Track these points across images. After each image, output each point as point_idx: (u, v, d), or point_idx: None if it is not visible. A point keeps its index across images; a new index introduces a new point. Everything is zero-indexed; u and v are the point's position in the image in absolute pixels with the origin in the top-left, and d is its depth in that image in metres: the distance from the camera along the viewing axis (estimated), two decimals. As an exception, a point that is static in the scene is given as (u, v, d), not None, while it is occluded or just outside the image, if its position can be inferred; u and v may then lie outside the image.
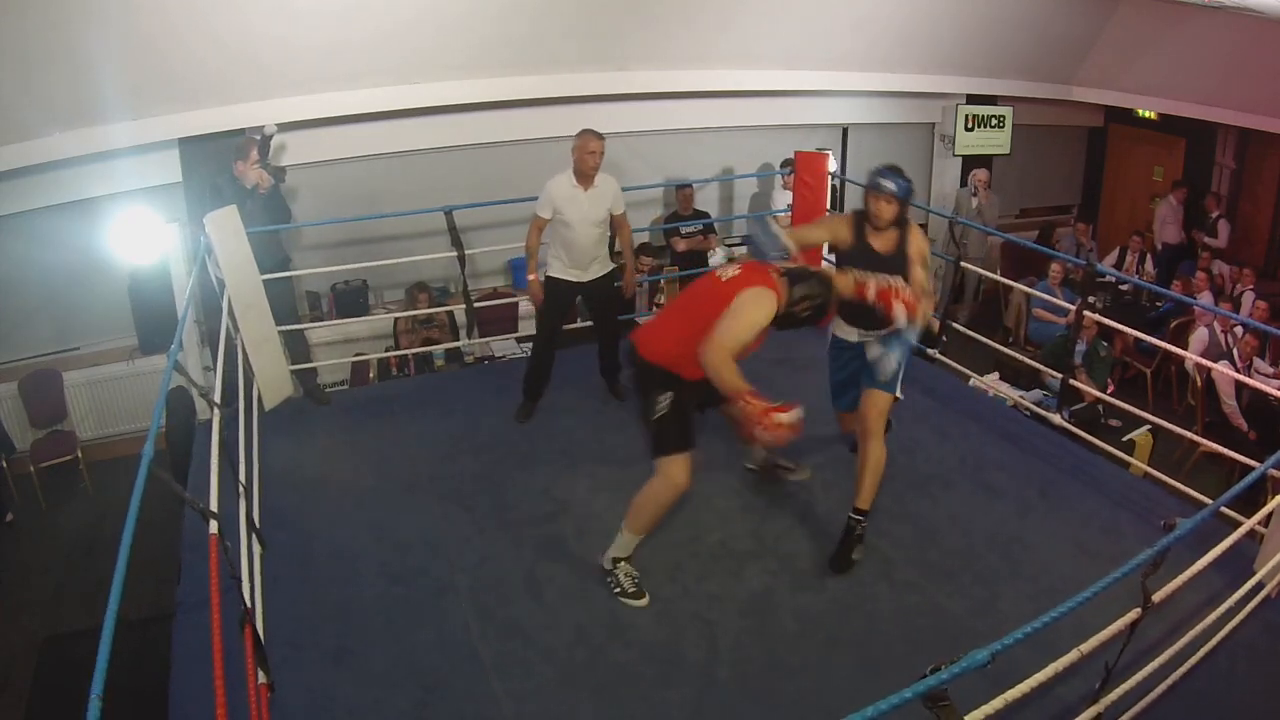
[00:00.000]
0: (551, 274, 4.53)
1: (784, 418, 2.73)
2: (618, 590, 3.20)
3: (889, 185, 3.28)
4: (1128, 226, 9.02)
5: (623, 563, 3.21)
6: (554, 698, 2.80)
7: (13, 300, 5.99)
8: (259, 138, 4.75)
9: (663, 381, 3.05)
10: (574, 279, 4.49)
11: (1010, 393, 5.59)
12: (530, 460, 4.15)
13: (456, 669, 2.91)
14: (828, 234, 3.63)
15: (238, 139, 4.92)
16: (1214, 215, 8.19)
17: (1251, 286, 7.11)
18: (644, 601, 3.18)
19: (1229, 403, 5.86)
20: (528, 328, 6.94)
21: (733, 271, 3.09)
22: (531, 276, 4.57)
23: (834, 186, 6.39)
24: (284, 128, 5.83)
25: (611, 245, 4.67)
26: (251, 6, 5.21)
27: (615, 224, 4.57)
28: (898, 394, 3.49)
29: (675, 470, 3.06)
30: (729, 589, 3.28)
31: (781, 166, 7.09)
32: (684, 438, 3.08)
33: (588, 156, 4.33)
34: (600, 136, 4.38)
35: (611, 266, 4.63)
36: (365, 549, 3.53)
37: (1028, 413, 4.95)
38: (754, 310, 2.91)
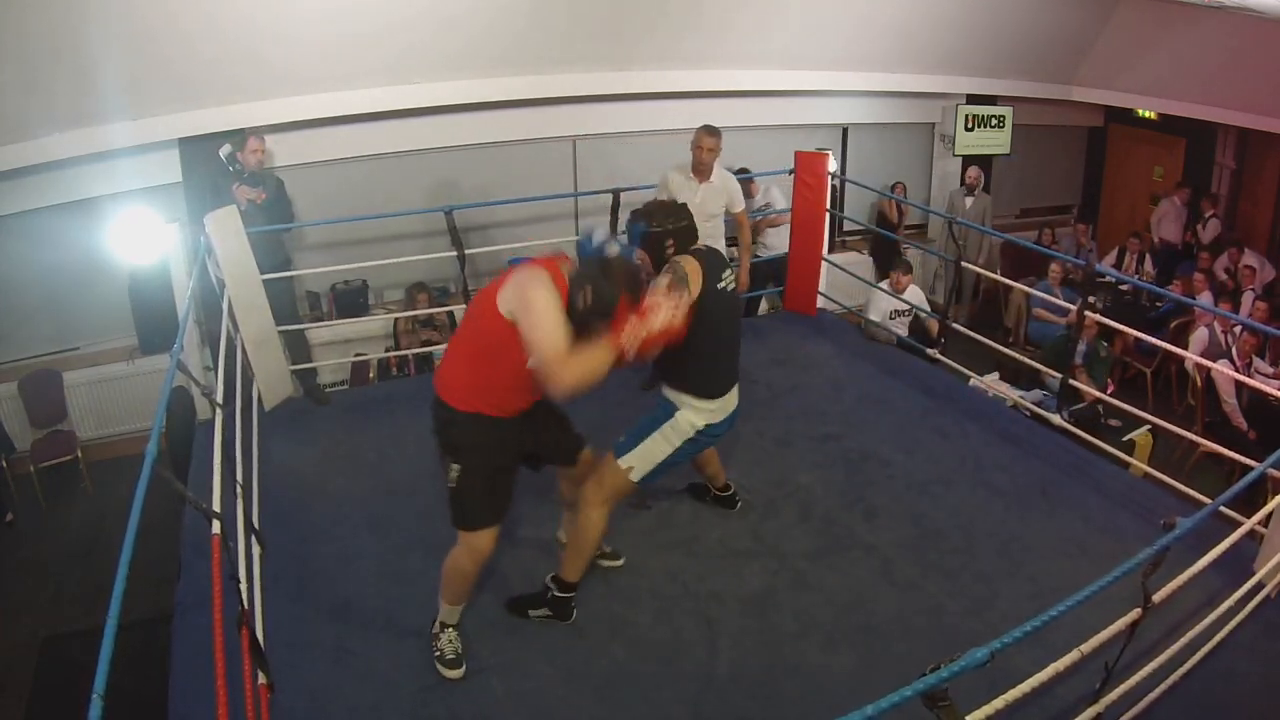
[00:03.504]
0: None
1: (657, 311, 2.40)
2: (436, 655, 2.88)
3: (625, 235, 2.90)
4: (1128, 226, 9.03)
5: (449, 629, 2.90)
6: (554, 697, 2.80)
7: (13, 300, 5.99)
8: (223, 159, 4.80)
9: (459, 438, 2.60)
10: None
11: (1010, 393, 5.59)
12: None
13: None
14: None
15: (229, 141, 4.93)
16: (1207, 215, 8.21)
17: (1252, 286, 7.11)
18: (458, 672, 2.83)
19: (1229, 402, 5.86)
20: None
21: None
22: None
23: (834, 187, 6.38)
24: (284, 128, 5.85)
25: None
26: (252, 6, 5.22)
27: (736, 223, 4.62)
28: (622, 464, 2.91)
29: (479, 541, 2.68)
30: (729, 588, 3.28)
31: (737, 173, 6.90)
32: (484, 511, 2.66)
33: (698, 151, 4.44)
34: (713, 133, 4.44)
35: None
36: (365, 549, 3.53)
37: (1028, 413, 4.95)
38: (533, 292, 2.35)
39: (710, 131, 4.45)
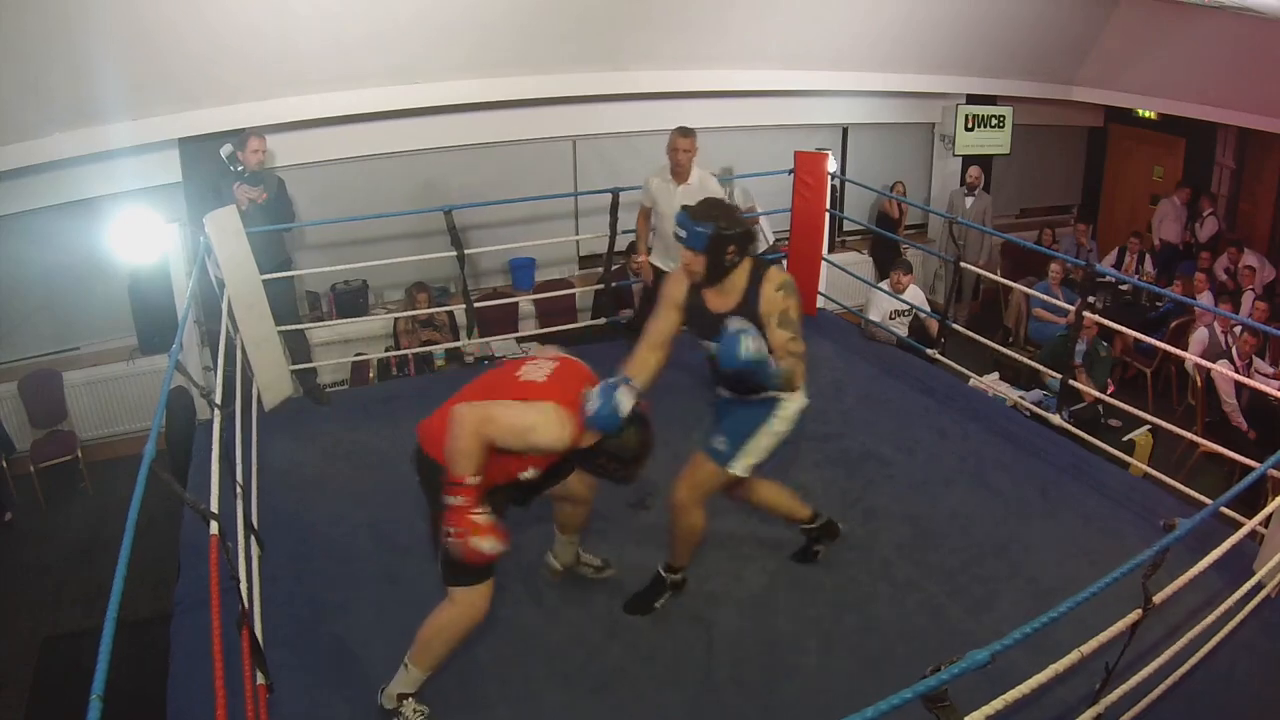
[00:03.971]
0: (652, 259, 4.78)
1: (481, 541, 2.30)
2: None
3: (680, 233, 2.69)
4: (1128, 226, 9.03)
5: (409, 699, 2.64)
6: (552, 699, 2.80)
7: (13, 300, 5.99)
8: (224, 158, 4.81)
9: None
10: (665, 268, 4.62)
11: (1010, 393, 5.59)
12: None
13: (455, 670, 2.90)
14: (674, 311, 2.89)
15: (231, 140, 4.92)
16: (1205, 213, 8.21)
17: (1251, 286, 7.11)
18: None
19: (1229, 402, 5.86)
20: (528, 327, 6.96)
21: (542, 374, 2.53)
22: (642, 258, 4.80)
23: (834, 187, 6.39)
24: (284, 128, 5.85)
25: None
26: (252, 6, 5.22)
27: None
28: (736, 471, 2.85)
29: (476, 598, 2.50)
30: (728, 589, 3.28)
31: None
32: (476, 576, 2.49)
33: (673, 153, 4.47)
34: (687, 133, 4.47)
35: None
36: (365, 549, 3.53)
37: (1028, 413, 4.95)
38: (546, 422, 2.36)
39: (684, 133, 4.47)
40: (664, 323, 2.88)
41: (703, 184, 4.53)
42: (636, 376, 2.67)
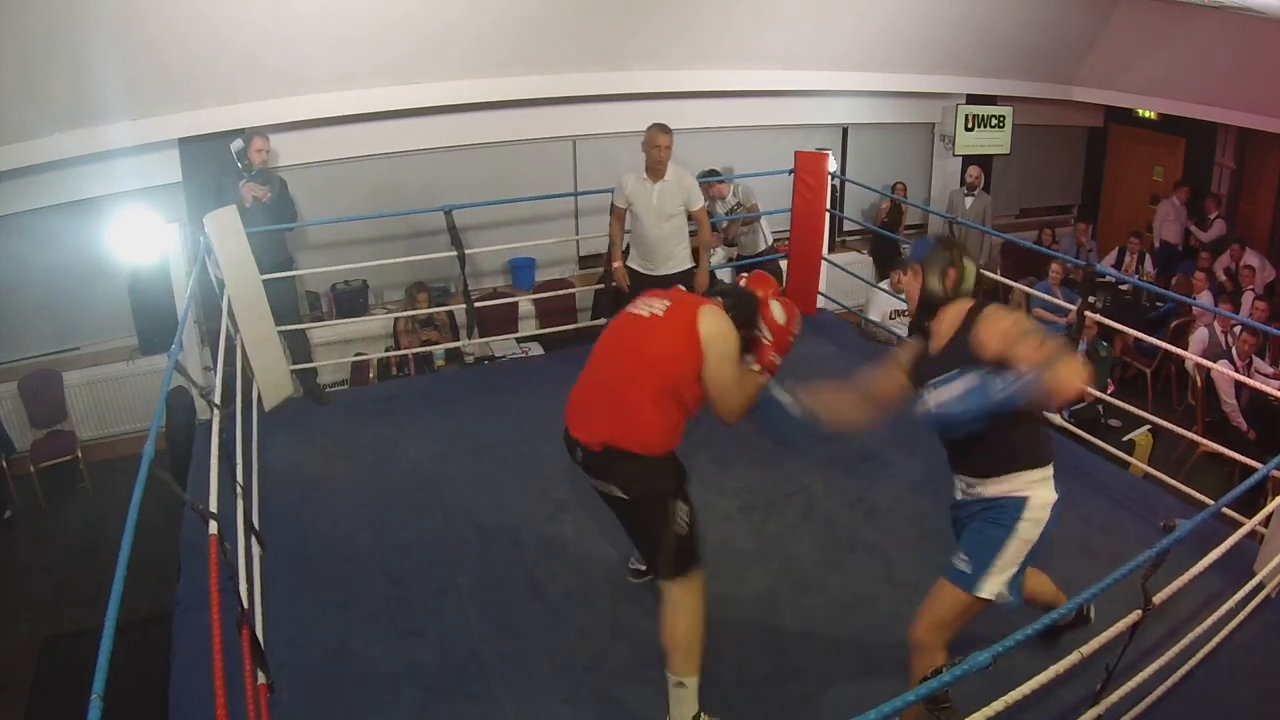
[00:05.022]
0: (629, 263, 4.70)
1: (785, 318, 2.62)
2: None
3: (906, 253, 2.53)
4: (1128, 226, 9.02)
5: (702, 714, 2.56)
6: (556, 698, 2.80)
7: (13, 300, 5.98)
8: (235, 153, 4.80)
9: (665, 481, 2.51)
10: (644, 271, 4.58)
11: (1010, 393, 5.58)
12: (530, 460, 4.14)
13: (457, 669, 2.91)
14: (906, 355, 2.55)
15: (241, 136, 4.93)
16: (1212, 216, 8.21)
17: (1251, 286, 7.11)
18: None
19: (1229, 402, 5.86)
20: (528, 327, 6.96)
21: (659, 305, 2.55)
22: (616, 264, 4.73)
23: (834, 187, 6.39)
24: (284, 128, 5.85)
25: None
26: (252, 6, 5.21)
27: (695, 220, 4.59)
28: (984, 594, 2.29)
29: (698, 581, 2.55)
30: (731, 590, 3.27)
31: (705, 174, 6.47)
32: (701, 548, 2.60)
33: (653, 150, 4.42)
34: (667, 130, 4.43)
35: (688, 266, 4.61)
36: (365, 549, 3.53)
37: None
38: (731, 339, 2.48)
39: (664, 129, 4.45)
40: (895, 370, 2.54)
41: (680, 181, 4.50)
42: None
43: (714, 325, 2.46)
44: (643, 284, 4.49)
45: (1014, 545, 2.31)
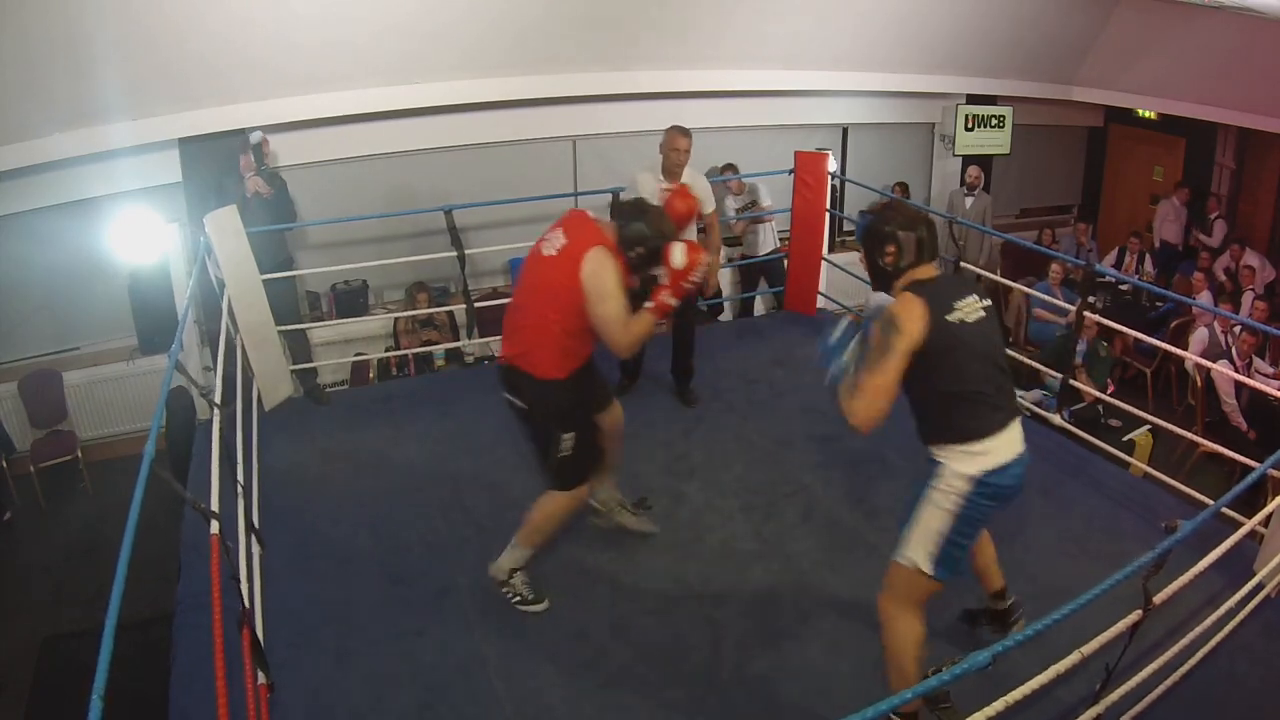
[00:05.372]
0: None
1: (684, 263, 2.78)
2: (516, 599, 3.11)
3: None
4: (1128, 226, 9.02)
5: (519, 572, 3.11)
6: (556, 698, 2.80)
7: (13, 300, 5.98)
8: (251, 145, 4.77)
9: (555, 401, 2.86)
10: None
11: (1010, 393, 5.58)
12: (530, 460, 4.12)
13: (458, 669, 2.91)
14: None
15: (243, 138, 4.92)
16: (1213, 216, 8.21)
17: (1251, 286, 7.11)
18: (544, 605, 3.12)
19: (1229, 402, 5.86)
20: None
21: (558, 242, 2.81)
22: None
23: (834, 187, 6.39)
24: (284, 128, 5.85)
25: None
26: (252, 6, 5.22)
27: (705, 224, 4.53)
28: (902, 561, 2.41)
29: (582, 492, 3.06)
30: (732, 589, 3.28)
31: (723, 171, 7.01)
32: (589, 463, 3.00)
33: (672, 154, 4.35)
34: (687, 133, 4.37)
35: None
36: (365, 549, 3.53)
37: (1028, 413, 4.95)
38: (609, 278, 2.73)
39: (684, 132, 4.39)
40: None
41: (694, 184, 4.43)
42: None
43: (592, 266, 2.72)
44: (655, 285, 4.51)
45: (927, 512, 2.37)
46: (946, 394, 2.34)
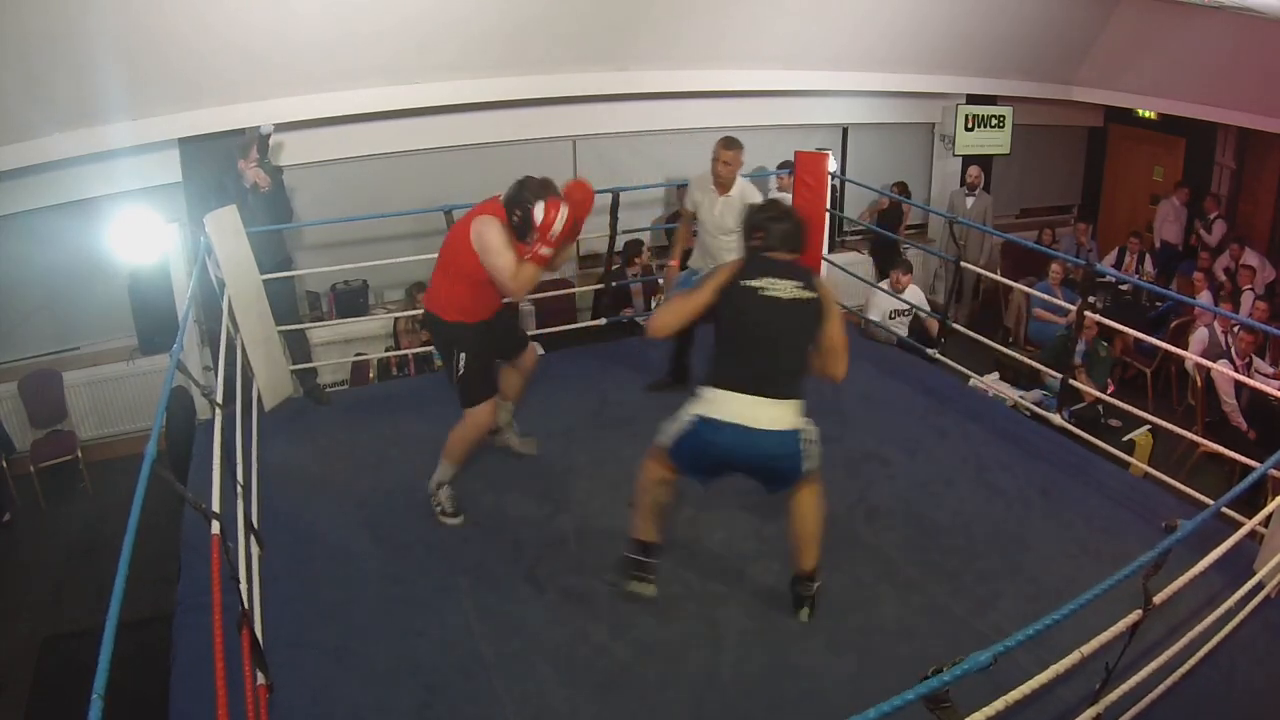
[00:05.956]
0: (691, 263, 4.60)
1: (543, 218, 3.24)
2: (439, 509, 3.65)
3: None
4: (1128, 226, 9.03)
5: (445, 486, 3.66)
6: (556, 697, 2.80)
7: (13, 300, 5.98)
8: (259, 136, 4.76)
9: (457, 337, 3.47)
10: None
11: (1010, 393, 5.59)
12: (530, 460, 4.15)
13: (458, 668, 2.91)
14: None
15: (241, 137, 4.92)
16: (1212, 216, 8.21)
17: (1250, 285, 7.11)
18: (459, 520, 3.64)
19: (1229, 402, 5.86)
20: (528, 327, 6.95)
21: (467, 215, 3.49)
22: (672, 262, 4.64)
23: (834, 186, 6.39)
24: (284, 128, 5.84)
25: None
26: (252, 6, 5.21)
27: None
28: (664, 444, 2.93)
29: (481, 414, 3.56)
30: (732, 589, 3.28)
31: (779, 168, 7.08)
32: (485, 388, 3.57)
33: (714, 164, 4.32)
34: (730, 145, 4.31)
35: None
36: (365, 549, 3.53)
37: (1028, 413, 4.95)
38: (491, 236, 3.31)
39: (726, 144, 4.31)
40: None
41: (744, 196, 4.35)
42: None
43: (478, 229, 3.34)
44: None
45: (678, 418, 2.90)
46: (718, 342, 2.87)
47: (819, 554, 3.03)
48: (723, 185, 4.37)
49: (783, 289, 2.79)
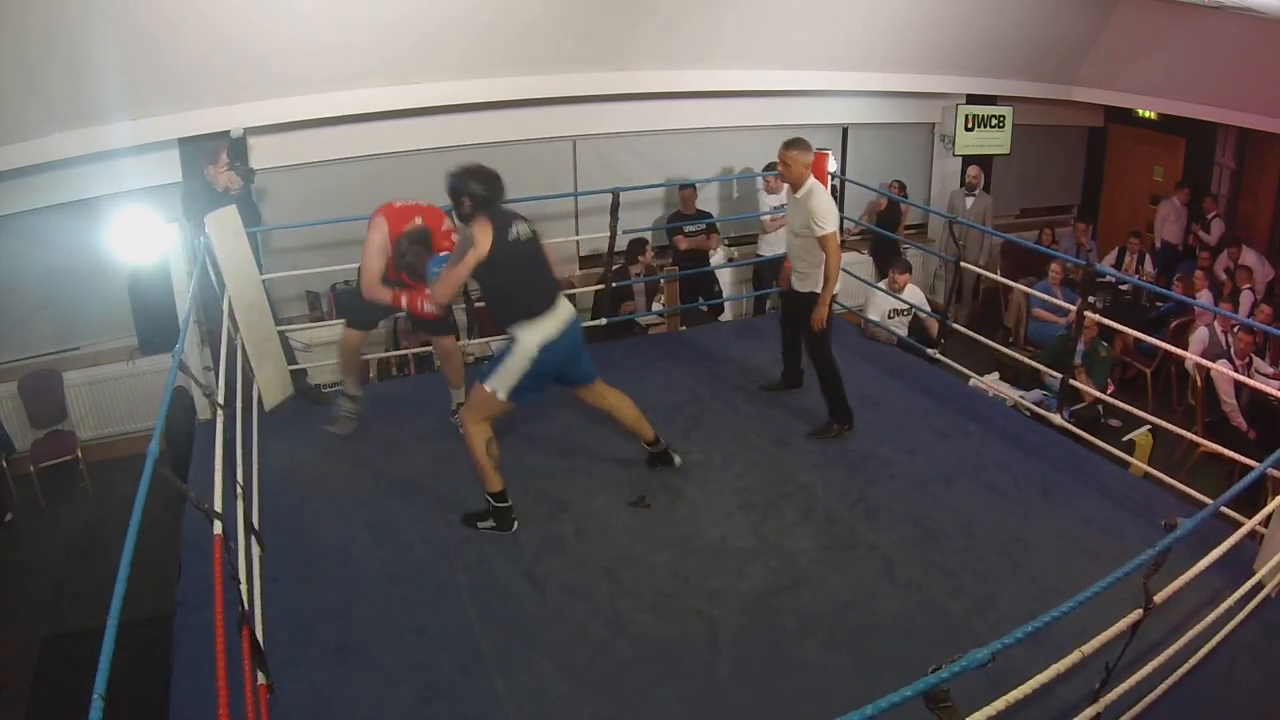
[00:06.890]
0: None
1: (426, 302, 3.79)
2: (345, 413, 4.35)
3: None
4: (1128, 226, 9.03)
5: (347, 399, 4.36)
6: (556, 695, 2.80)
7: (13, 300, 5.98)
8: (229, 140, 4.74)
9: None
10: (790, 285, 4.40)
11: (1010, 393, 5.59)
12: (530, 460, 4.15)
13: (458, 667, 2.91)
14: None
15: (209, 144, 4.90)
16: (1210, 216, 8.21)
17: (1249, 285, 7.11)
18: (357, 407, 4.36)
19: (1229, 402, 5.86)
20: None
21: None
22: (788, 264, 4.46)
23: (834, 186, 6.38)
24: (284, 128, 5.85)
25: None
26: (251, 6, 5.22)
27: (822, 247, 4.14)
28: (499, 394, 3.46)
29: (350, 337, 4.28)
30: (730, 586, 3.28)
31: (765, 169, 7.08)
32: (362, 320, 4.31)
33: (780, 165, 4.20)
34: (790, 145, 4.12)
35: (811, 290, 4.24)
36: (365, 549, 3.53)
37: (1028, 413, 4.95)
38: (370, 235, 3.77)
39: (787, 144, 4.13)
40: None
41: (807, 200, 4.13)
42: None
43: (370, 224, 3.89)
44: (784, 296, 4.57)
45: (512, 362, 3.41)
46: (504, 286, 3.43)
47: (647, 423, 3.89)
48: (794, 185, 4.19)
49: (524, 230, 3.46)
